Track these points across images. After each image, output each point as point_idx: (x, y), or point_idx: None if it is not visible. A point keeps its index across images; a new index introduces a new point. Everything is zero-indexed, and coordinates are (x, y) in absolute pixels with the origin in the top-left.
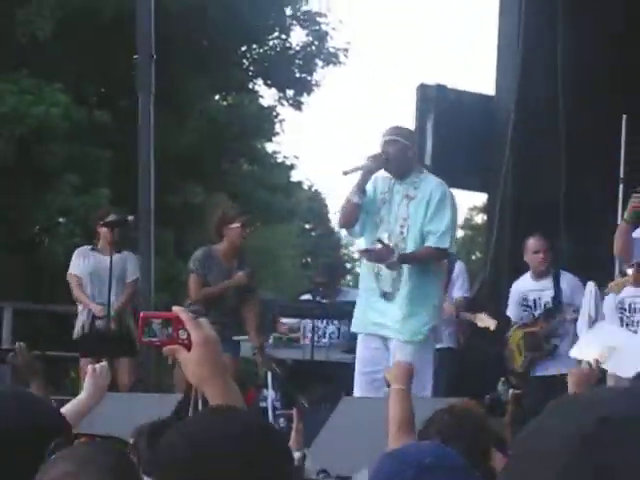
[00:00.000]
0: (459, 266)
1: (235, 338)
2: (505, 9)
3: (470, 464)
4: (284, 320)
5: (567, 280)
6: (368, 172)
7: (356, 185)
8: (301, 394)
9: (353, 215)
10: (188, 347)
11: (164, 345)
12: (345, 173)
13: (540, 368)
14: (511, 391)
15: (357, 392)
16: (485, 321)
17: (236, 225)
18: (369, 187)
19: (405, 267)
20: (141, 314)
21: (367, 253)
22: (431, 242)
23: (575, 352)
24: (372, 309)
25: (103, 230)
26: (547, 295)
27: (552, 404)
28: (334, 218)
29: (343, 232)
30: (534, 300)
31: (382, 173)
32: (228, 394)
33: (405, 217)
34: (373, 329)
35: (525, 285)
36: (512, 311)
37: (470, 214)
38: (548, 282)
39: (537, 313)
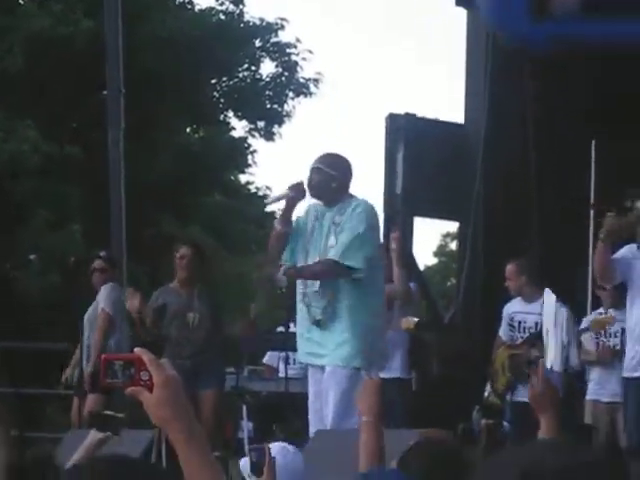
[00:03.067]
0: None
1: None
2: (472, 35)
3: None
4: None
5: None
6: (290, 201)
7: (281, 215)
8: (276, 427)
9: (280, 245)
10: (150, 388)
11: (126, 387)
12: (267, 204)
13: (520, 393)
14: (483, 421)
15: (312, 428)
16: (407, 322)
17: (177, 257)
18: (302, 215)
19: (340, 294)
20: (102, 356)
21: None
22: (331, 254)
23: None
24: (307, 340)
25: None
26: (532, 320)
27: (483, 461)
28: None
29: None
30: (519, 322)
31: (314, 200)
32: (190, 435)
33: (333, 245)
34: (311, 359)
35: (513, 306)
36: (503, 331)
37: (444, 241)
38: (536, 306)
39: (520, 336)
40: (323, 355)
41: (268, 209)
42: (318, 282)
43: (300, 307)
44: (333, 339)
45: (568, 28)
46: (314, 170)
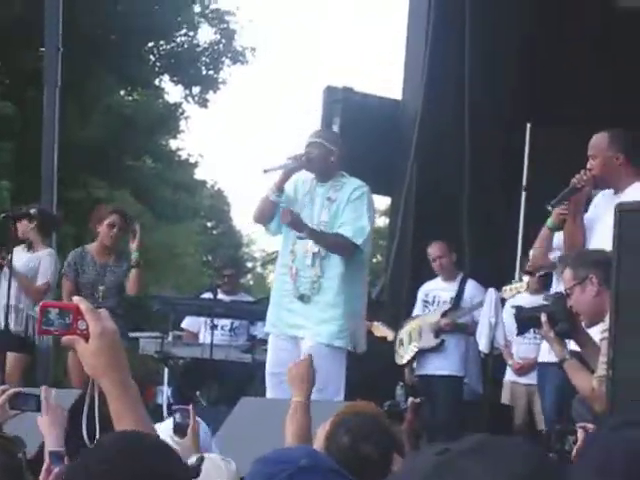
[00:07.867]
0: None
1: (132, 335)
2: (413, 13)
3: (376, 465)
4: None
5: (470, 286)
6: (288, 172)
7: (275, 183)
8: (200, 393)
9: (267, 212)
10: (86, 338)
11: (62, 335)
12: (265, 171)
13: (423, 366)
14: (410, 399)
15: (268, 392)
16: (381, 330)
17: (105, 224)
18: (290, 188)
19: (327, 270)
20: (41, 304)
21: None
22: (344, 231)
23: None
24: (287, 310)
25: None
26: (447, 295)
27: None
28: (235, 217)
29: (255, 228)
30: (433, 297)
31: (304, 175)
32: (124, 388)
33: (326, 220)
34: (288, 331)
35: (431, 285)
36: (417, 309)
37: None
38: (454, 285)
39: (433, 309)
40: (305, 328)
41: (265, 174)
42: (311, 256)
43: (283, 279)
44: (318, 314)
45: None
46: (314, 144)
